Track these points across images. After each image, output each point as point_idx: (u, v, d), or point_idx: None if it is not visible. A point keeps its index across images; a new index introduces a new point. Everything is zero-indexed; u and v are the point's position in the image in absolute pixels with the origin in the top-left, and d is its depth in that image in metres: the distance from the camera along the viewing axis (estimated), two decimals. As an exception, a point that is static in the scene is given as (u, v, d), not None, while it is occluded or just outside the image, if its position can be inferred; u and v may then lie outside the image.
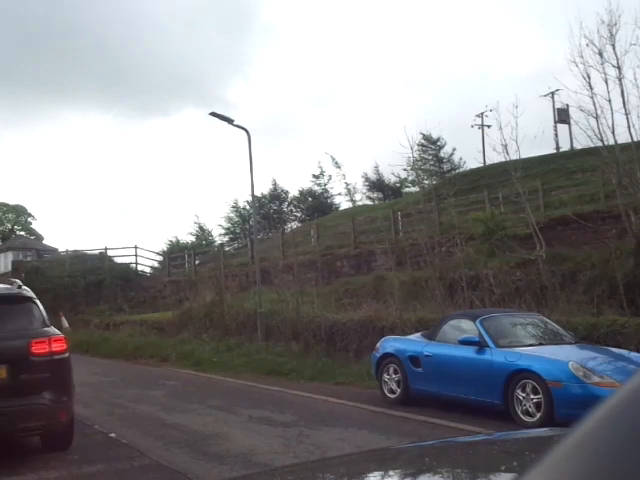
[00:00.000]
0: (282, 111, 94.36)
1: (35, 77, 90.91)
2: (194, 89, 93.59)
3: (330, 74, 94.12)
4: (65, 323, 26.87)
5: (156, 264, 39.28)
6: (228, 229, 56.23)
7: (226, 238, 54.63)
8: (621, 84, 14.58)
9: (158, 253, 41.74)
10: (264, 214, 51.06)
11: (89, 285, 31.83)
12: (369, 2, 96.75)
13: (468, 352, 10.03)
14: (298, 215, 55.79)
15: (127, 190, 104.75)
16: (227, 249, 38.81)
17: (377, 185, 54.78)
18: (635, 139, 14.66)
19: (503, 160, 18.01)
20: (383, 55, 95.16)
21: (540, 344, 10.01)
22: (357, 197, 54.99)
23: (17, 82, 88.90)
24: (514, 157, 17.20)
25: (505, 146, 16.79)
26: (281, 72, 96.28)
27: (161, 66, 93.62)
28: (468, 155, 73.02)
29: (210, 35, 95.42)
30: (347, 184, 55.44)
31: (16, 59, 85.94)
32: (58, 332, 7.99)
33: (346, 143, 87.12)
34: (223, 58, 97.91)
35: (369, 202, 52.05)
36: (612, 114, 14.63)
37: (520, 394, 9.01)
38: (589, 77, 14.71)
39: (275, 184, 56.22)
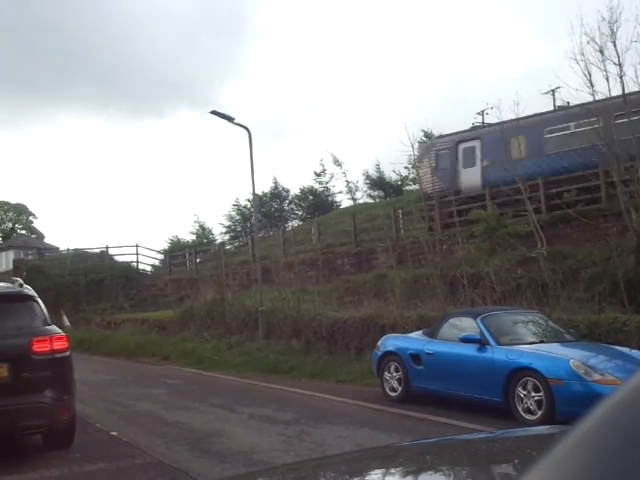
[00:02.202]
0: (280, 111, 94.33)
1: (33, 79, 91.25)
2: (187, 92, 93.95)
3: (328, 73, 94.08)
4: (66, 322, 26.89)
5: (157, 262, 39.28)
6: (229, 227, 56.22)
7: (227, 236, 54.62)
8: (622, 81, 14.59)
9: (159, 251, 41.70)
10: (265, 212, 51.02)
11: (90, 284, 31.83)
12: (368, 1, 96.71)
13: (469, 350, 10.04)
14: (299, 213, 55.74)
15: (128, 189, 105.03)
16: (228, 247, 38.78)
17: (378, 183, 54.67)
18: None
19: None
20: (383, 53, 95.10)
21: (541, 342, 10.01)
22: (358, 195, 54.87)
23: (16, 83, 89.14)
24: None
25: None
26: (277, 73, 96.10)
27: (154, 70, 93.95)
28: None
29: (203, 39, 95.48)
30: (348, 182, 55.34)
31: (14, 60, 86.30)
32: (59, 331, 8.01)
33: (347, 141, 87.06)
34: (216, 61, 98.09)
35: (370, 200, 51.96)
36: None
37: (521, 392, 9.01)
38: (590, 74, 14.71)
39: (276, 182, 56.21)
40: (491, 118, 31.54)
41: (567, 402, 8.34)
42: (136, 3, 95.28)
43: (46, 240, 53.63)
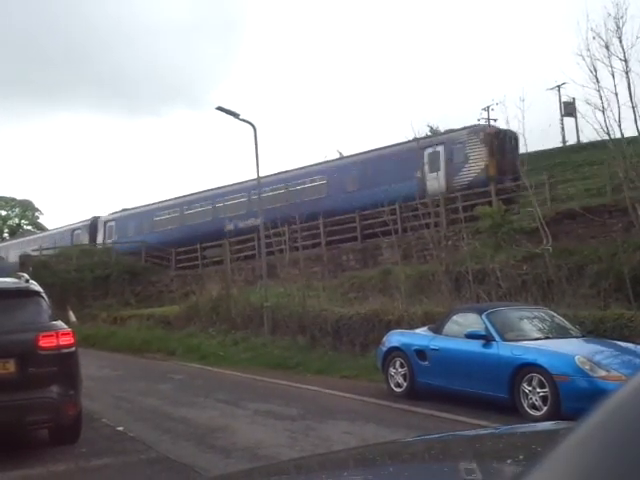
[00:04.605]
0: (283, 109, 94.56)
1: (36, 79, 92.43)
2: (187, 92, 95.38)
3: (333, 70, 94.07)
4: (72, 317, 26.89)
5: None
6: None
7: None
8: (628, 77, 14.53)
9: (165, 247, 41.74)
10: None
11: (96, 279, 31.81)
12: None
13: (474, 346, 10.03)
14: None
15: (133, 186, 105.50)
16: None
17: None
18: (642, 132, 14.60)
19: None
20: (389, 49, 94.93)
21: (547, 338, 10.00)
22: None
23: (18, 84, 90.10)
24: (521, 150, 17.18)
25: (512, 140, 16.75)
26: (280, 71, 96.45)
27: (154, 71, 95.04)
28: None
29: (202, 40, 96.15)
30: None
31: (17, 62, 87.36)
32: (65, 326, 8.02)
33: (351, 137, 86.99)
34: (217, 62, 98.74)
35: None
36: (619, 107, 14.59)
37: (526, 388, 9.01)
38: (596, 70, 14.66)
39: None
40: (497, 114, 31.49)
41: (572, 398, 8.33)
42: (135, 7, 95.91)
43: (52, 236, 53.70)
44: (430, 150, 24.66)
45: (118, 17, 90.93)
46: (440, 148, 24.94)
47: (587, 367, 8.60)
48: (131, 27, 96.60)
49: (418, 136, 20.49)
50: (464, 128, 25.75)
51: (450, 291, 15.68)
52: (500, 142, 23.88)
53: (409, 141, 21.19)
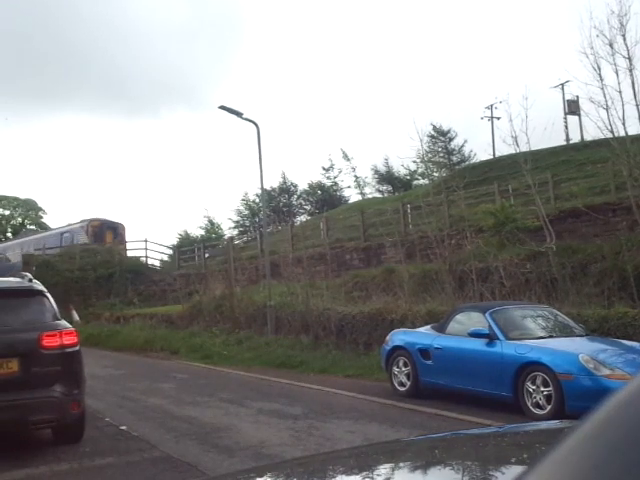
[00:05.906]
0: (287, 108, 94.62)
1: (41, 81, 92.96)
2: (187, 95, 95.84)
3: (336, 69, 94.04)
4: (76, 316, 26.99)
5: (166, 257, 39.42)
6: (238, 222, 56.30)
7: (236, 231, 54.73)
8: (632, 75, 14.50)
9: (168, 247, 41.86)
10: (274, 207, 51.03)
11: (99, 279, 31.90)
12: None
13: (478, 344, 10.02)
14: (307, 208, 55.76)
15: (137, 185, 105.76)
16: (237, 242, 38.85)
17: (386, 178, 54.67)
18: (646, 130, 14.58)
19: (513, 152, 17.99)
20: (392, 48, 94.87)
21: (550, 336, 9.98)
22: (366, 190, 54.92)
23: (21, 85, 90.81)
24: (524, 149, 17.16)
25: (515, 138, 16.75)
26: (283, 71, 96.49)
27: (157, 73, 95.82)
28: (478, 147, 73.00)
29: (203, 41, 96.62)
30: (356, 177, 55.36)
31: (21, 64, 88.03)
32: (69, 325, 8.04)
33: (355, 136, 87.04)
34: (220, 62, 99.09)
35: (378, 195, 52.00)
36: (622, 105, 14.56)
37: (530, 386, 9.00)
38: (599, 68, 14.63)
39: (284, 177, 56.21)
40: (500, 112, 31.45)
41: (576, 397, 8.32)
42: (134, 8, 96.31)
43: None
44: (66, 235, 38.83)
45: (117, 19, 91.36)
46: (69, 234, 38.73)
47: (591, 366, 8.58)
48: (130, 29, 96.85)
49: (420, 136, 20.52)
50: (84, 221, 39.38)
51: (453, 290, 15.68)
52: (100, 231, 38.29)
53: (65, 225, 38.11)
